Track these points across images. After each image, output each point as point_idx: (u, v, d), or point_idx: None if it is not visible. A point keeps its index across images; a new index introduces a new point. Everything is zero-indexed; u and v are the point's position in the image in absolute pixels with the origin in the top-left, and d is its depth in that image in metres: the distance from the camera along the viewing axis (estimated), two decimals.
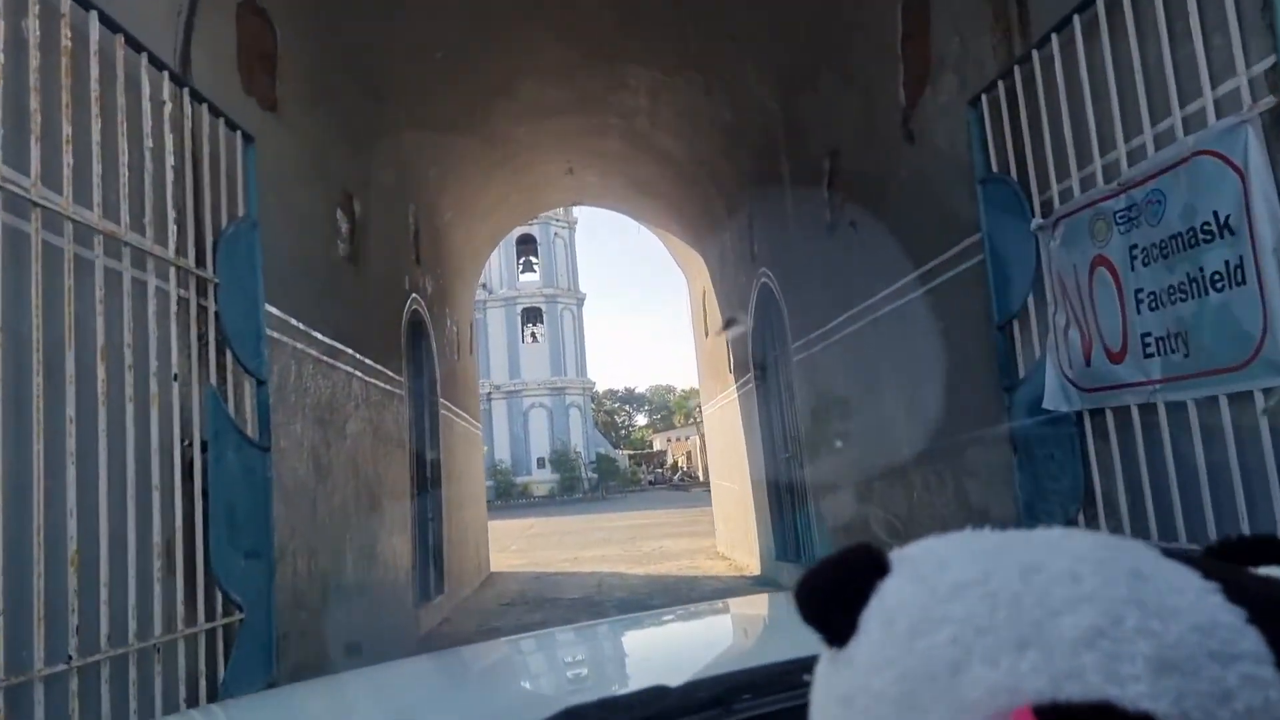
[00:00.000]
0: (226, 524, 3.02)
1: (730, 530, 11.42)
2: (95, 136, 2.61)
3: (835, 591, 0.43)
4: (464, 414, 10.59)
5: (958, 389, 4.27)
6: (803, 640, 0.48)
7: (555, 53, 7.47)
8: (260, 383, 3.40)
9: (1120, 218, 2.94)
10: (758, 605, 2.36)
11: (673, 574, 10.40)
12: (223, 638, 3.07)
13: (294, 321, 4.41)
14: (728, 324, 10.43)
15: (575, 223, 50.51)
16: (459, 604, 8.88)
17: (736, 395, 10.03)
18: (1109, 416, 3.10)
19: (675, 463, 65.10)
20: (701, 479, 52.98)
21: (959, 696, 0.36)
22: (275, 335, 4.14)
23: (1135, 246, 2.88)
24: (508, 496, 41.96)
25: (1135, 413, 2.95)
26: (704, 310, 12.15)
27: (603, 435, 56.61)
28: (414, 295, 7.68)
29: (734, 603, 3.01)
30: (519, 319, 47.42)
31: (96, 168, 2.61)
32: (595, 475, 46.29)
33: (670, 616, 2.44)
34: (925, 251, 4.46)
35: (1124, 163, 2.91)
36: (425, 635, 7.23)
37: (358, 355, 5.65)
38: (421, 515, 7.78)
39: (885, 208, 4.93)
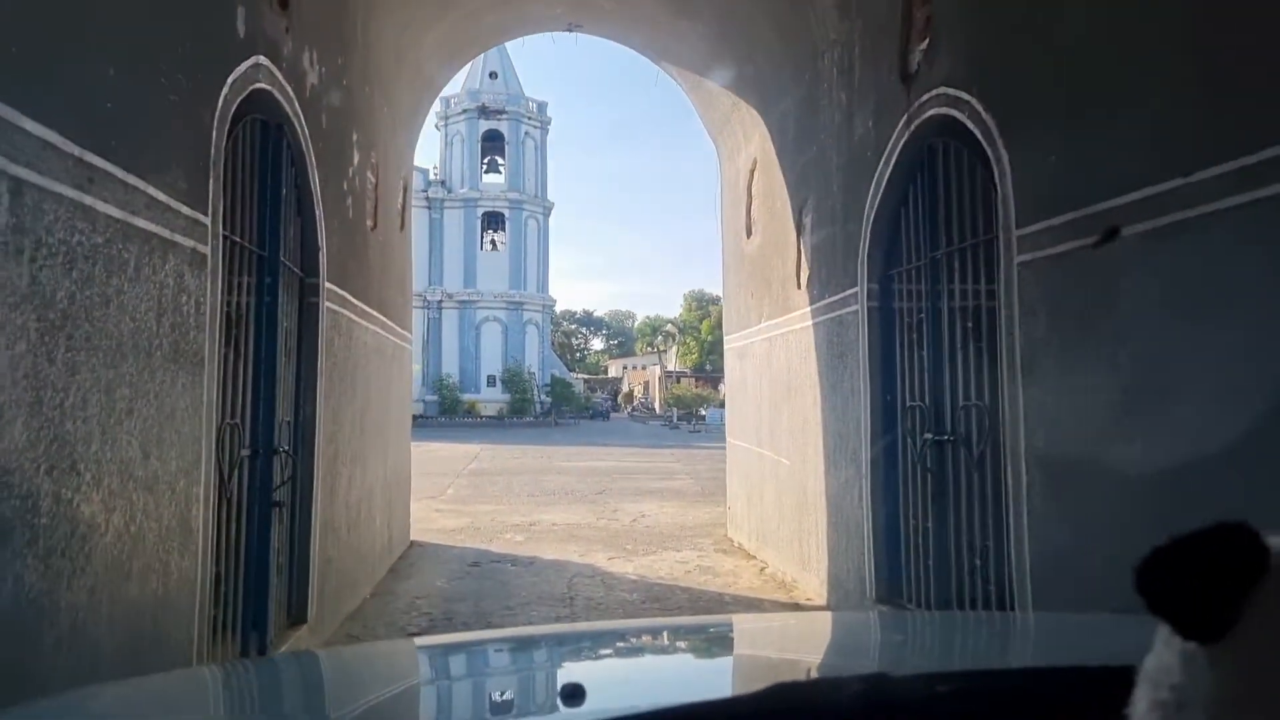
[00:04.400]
0: None
1: (760, 519, 7.91)
2: None
3: (1204, 577, 0.38)
4: (381, 317, 6.78)
5: None
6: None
7: None
8: None
9: None
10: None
11: (682, 584, 6.88)
12: None
13: None
14: (800, 212, 6.68)
15: (549, 123, 45.90)
16: (336, 633, 5.23)
17: (811, 323, 6.37)
18: None
19: (631, 392, 61.90)
20: (659, 411, 49.99)
21: None
22: None
23: None
24: (452, 414, 38.46)
25: None
26: (748, 197, 8.37)
27: (558, 358, 52.98)
28: (260, 62, 3.77)
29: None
30: (479, 223, 43.13)
31: None
32: (548, 399, 42.77)
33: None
34: None
35: None
36: None
37: None
38: (257, 500, 4.03)
39: None
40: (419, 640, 4.09)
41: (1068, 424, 3.39)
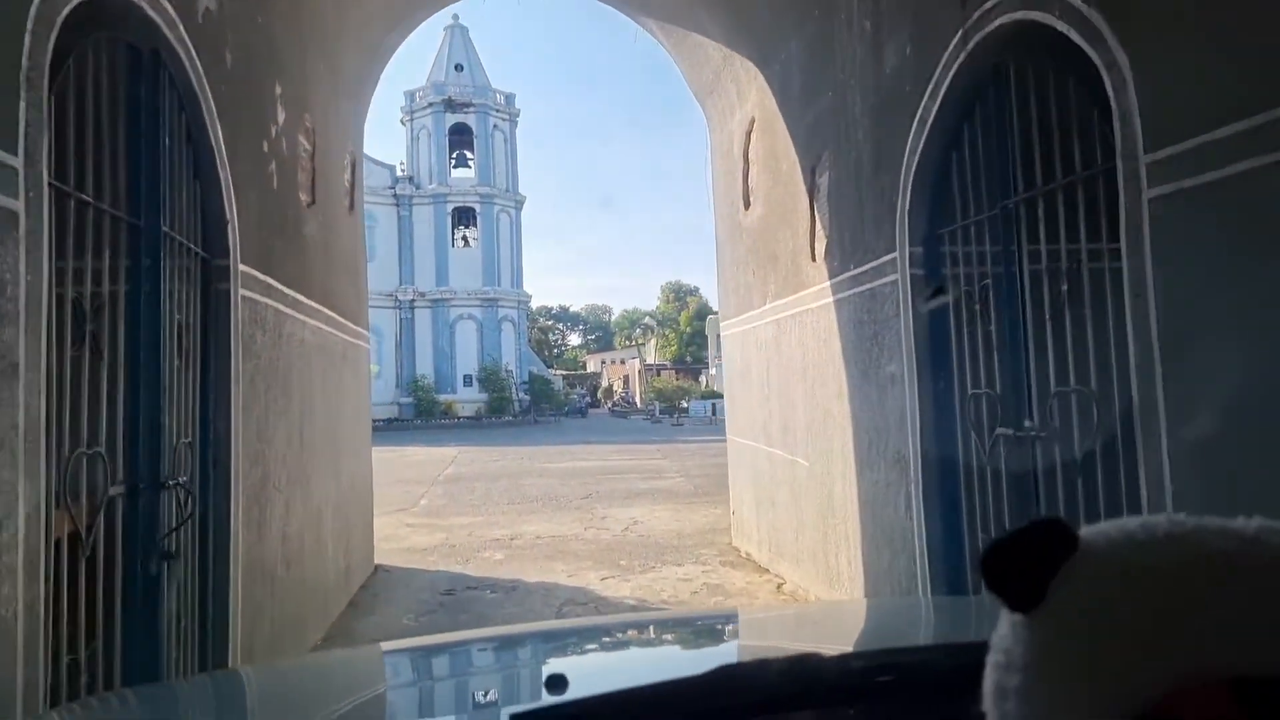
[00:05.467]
0: None
1: (773, 527, 6.99)
2: None
3: (1026, 561, 0.45)
4: (325, 310, 5.76)
5: None
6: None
7: None
8: None
9: None
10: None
11: (692, 609, 5.93)
12: None
13: None
14: (813, 171, 5.73)
15: (518, 115, 44.71)
16: None
17: (833, 299, 5.43)
18: None
19: (610, 386, 60.79)
20: (640, 406, 48.93)
21: (1151, 669, 0.39)
22: None
23: None
24: (429, 416, 37.26)
25: None
26: (745, 163, 7.41)
27: (535, 354, 51.79)
28: None
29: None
30: (449, 219, 41.81)
31: None
32: (527, 397, 41.65)
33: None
34: None
35: None
36: None
37: None
38: (138, 552, 3.02)
39: None
40: (351, 650, 3.57)
41: (1237, 415, 2.47)
